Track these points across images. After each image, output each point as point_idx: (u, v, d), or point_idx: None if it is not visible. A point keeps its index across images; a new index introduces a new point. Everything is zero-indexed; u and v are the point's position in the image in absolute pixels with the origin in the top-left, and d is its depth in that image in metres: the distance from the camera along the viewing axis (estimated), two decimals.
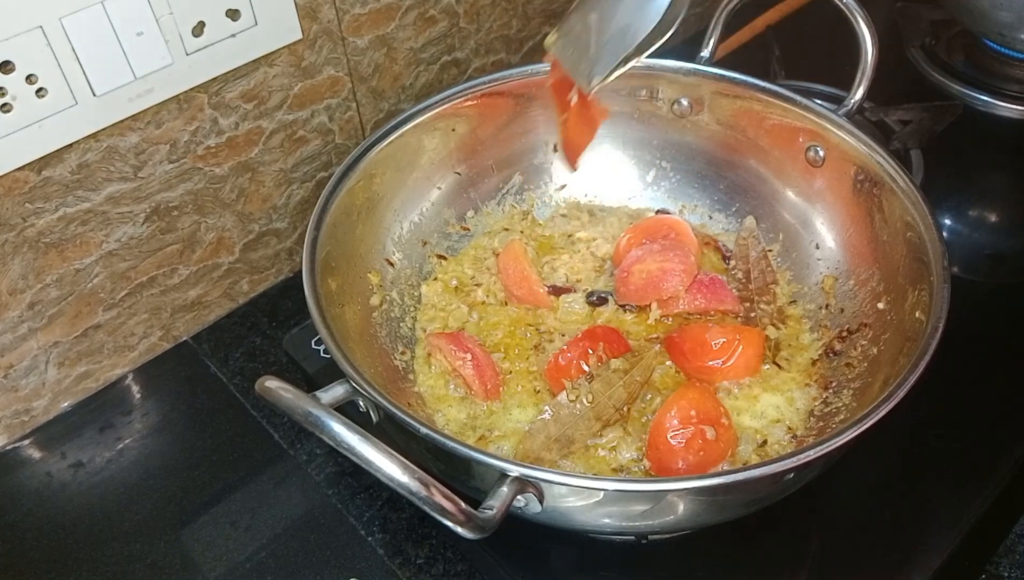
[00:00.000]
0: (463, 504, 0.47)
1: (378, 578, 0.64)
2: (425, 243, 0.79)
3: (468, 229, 0.83)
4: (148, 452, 0.74)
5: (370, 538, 0.66)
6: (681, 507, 0.54)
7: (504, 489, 0.49)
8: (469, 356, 0.69)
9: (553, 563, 0.65)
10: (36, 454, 0.74)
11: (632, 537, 0.64)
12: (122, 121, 0.67)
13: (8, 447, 0.74)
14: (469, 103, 0.78)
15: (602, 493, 0.51)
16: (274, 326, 0.83)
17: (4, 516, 0.69)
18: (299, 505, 0.69)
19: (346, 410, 0.54)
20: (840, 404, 0.66)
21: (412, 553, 0.65)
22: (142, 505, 0.70)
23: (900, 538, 0.64)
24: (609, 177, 0.85)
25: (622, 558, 0.65)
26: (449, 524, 0.47)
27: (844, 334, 0.71)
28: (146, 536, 0.67)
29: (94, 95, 0.64)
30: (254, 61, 0.72)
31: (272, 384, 0.49)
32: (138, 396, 0.78)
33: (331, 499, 0.69)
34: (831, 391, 0.68)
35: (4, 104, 0.60)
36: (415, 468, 0.46)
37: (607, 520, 0.56)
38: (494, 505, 0.48)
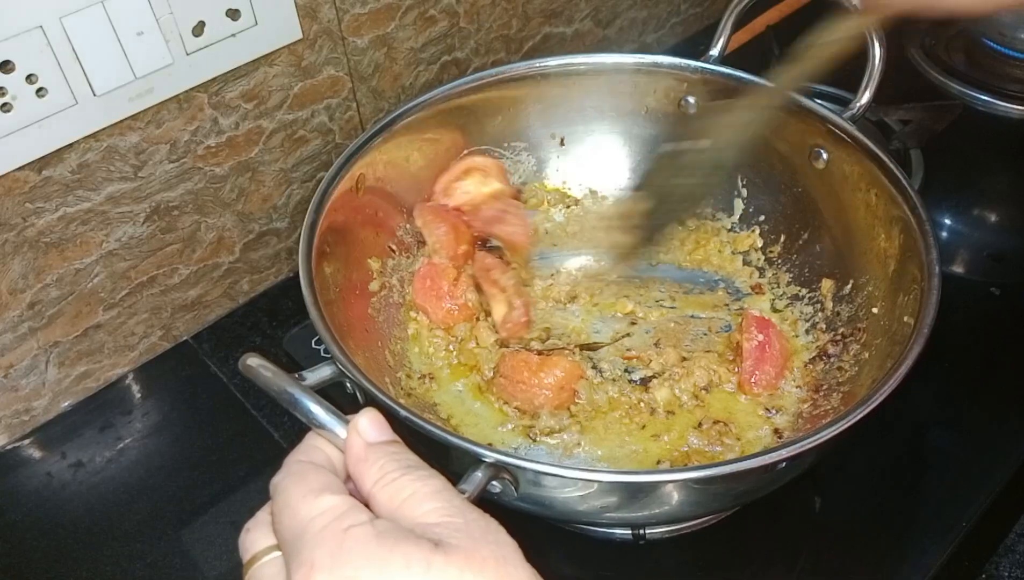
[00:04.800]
0: None
1: None
2: None
3: None
4: (148, 452, 0.74)
5: None
6: (661, 498, 0.54)
7: (478, 474, 0.49)
8: (444, 227, 0.74)
9: (552, 563, 0.65)
10: (36, 454, 0.74)
11: (630, 536, 0.64)
12: (122, 121, 0.67)
13: (8, 447, 0.74)
14: (476, 94, 0.78)
15: (575, 483, 0.52)
16: (274, 326, 0.83)
17: (4, 516, 0.69)
18: None
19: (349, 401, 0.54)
20: (828, 407, 0.65)
21: None
22: (142, 505, 0.70)
23: (900, 538, 0.64)
24: (612, 172, 0.85)
25: (621, 558, 0.65)
26: None
27: (838, 338, 0.70)
28: (146, 536, 0.67)
29: (94, 95, 0.64)
30: (254, 61, 0.72)
31: (254, 362, 0.48)
32: (138, 396, 0.78)
33: None
34: (821, 394, 0.68)
35: (4, 104, 0.60)
36: None
37: (583, 507, 0.56)
38: (466, 489, 0.48)
